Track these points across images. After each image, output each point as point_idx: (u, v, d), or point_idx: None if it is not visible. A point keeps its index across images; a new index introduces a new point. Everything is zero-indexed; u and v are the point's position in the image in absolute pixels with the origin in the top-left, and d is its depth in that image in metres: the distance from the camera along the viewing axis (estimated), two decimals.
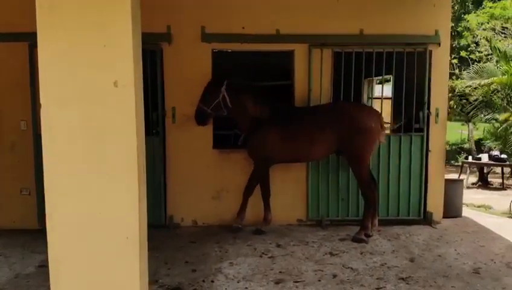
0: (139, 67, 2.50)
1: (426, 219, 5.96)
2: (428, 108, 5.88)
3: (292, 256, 4.78)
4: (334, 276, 4.23)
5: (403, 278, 4.18)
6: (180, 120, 5.70)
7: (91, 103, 2.41)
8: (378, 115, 5.51)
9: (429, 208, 5.97)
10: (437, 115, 5.89)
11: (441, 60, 5.87)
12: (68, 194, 2.52)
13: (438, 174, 6.01)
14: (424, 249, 5.01)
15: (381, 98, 6.08)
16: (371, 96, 7.74)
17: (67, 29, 2.35)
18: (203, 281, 4.12)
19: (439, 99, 5.91)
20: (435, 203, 5.98)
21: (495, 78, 8.28)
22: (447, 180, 6.40)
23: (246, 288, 3.96)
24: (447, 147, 14.95)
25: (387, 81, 7.00)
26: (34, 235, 5.35)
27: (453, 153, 13.90)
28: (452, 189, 6.37)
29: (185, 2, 5.60)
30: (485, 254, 4.89)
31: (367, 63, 5.75)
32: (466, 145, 14.70)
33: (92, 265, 2.62)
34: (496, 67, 9.15)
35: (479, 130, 13.50)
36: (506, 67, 7.66)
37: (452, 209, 6.34)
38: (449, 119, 16.02)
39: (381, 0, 5.74)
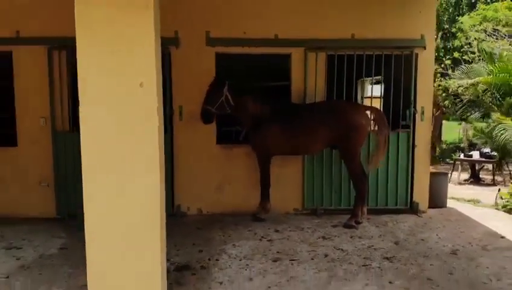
0: (159, 70, 2.99)
1: (412, 209, 6.41)
2: (415, 106, 6.33)
3: (289, 239, 5.26)
4: (326, 255, 4.72)
5: (387, 258, 4.65)
6: (186, 118, 6.16)
7: (120, 101, 2.89)
8: (377, 112, 5.98)
9: (415, 199, 6.43)
10: (422, 113, 6.34)
11: (426, 62, 6.32)
12: (102, 182, 2.97)
13: (424, 167, 6.46)
14: (408, 234, 5.48)
15: (371, 98, 6.54)
16: (362, 95, 8.19)
17: (101, 40, 2.83)
18: (209, 259, 4.60)
19: (424, 98, 6.36)
20: (421, 194, 6.43)
21: (481, 78, 8.70)
22: (433, 173, 6.86)
23: (247, 265, 4.44)
24: (444, 146, 15.34)
25: (379, 82, 7.46)
26: (52, 223, 5.87)
27: (448, 152, 14.18)
28: (438, 181, 6.82)
29: (191, 9, 6.05)
30: (464, 238, 5.33)
31: (358, 65, 6.21)
32: (462, 144, 14.96)
33: (121, 241, 3.07)
34: (483, 68, 9.51)
35: (476, 128, 13.72)
36: (492, 68, 8.09)
37: (438, 200, 6.80)
38: (446, 118, 16.40)
39: (371, 7, 6.20)
